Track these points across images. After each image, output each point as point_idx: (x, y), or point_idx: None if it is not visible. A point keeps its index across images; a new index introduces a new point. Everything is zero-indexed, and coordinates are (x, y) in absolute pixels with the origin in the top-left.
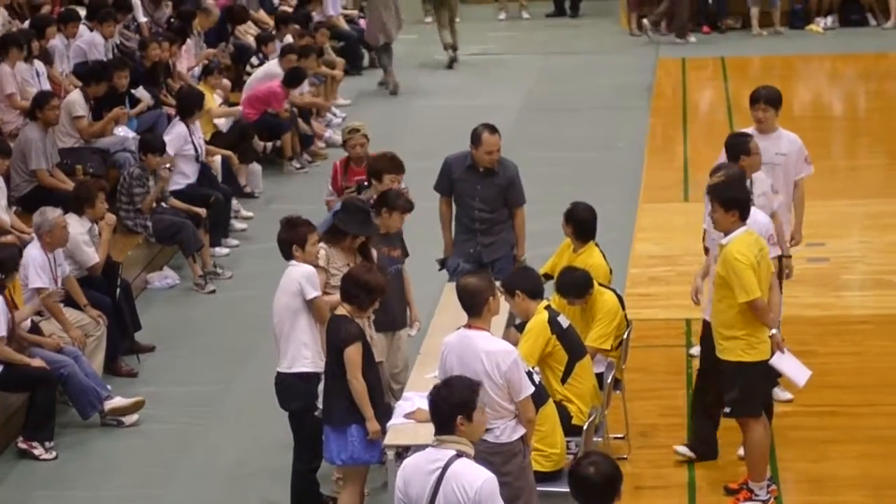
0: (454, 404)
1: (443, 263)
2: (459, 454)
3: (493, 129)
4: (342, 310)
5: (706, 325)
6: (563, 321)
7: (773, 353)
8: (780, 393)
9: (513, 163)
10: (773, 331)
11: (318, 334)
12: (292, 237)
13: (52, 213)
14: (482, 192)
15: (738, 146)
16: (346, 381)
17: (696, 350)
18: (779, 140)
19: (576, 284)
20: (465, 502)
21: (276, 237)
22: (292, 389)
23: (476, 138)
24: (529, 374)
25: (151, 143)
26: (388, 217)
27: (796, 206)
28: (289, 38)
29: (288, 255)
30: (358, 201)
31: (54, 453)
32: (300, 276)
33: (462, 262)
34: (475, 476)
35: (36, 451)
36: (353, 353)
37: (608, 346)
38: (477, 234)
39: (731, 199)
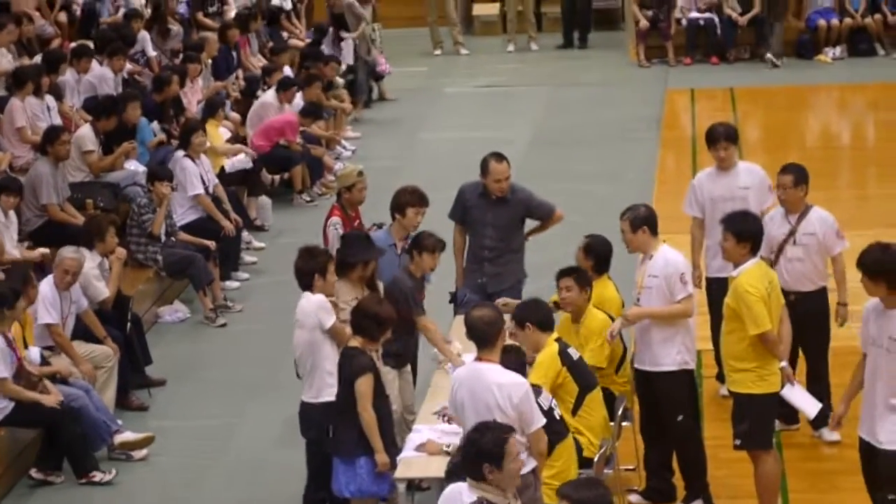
0: (480, 451)
1: (453, 297)
2: (480, 501)
3: (500, 158)
4: (354, 342)
5: (640, 374)
6: (574, 353)
7: (783, 386)
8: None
9: (523, 187)
10: (783, 363)
11: None
12: (313, 266)
13: (67, 252)
14: (493, 220)
15: None
16: (356, 413)
17: (724, 391)
18: (738, 175)
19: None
20: None
21: (289, 269)
22: (314, 419)
23: (484, 167)
24: (551, 411)
25: (159, 173)
26: (420, 259)
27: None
28: (287, 69)
29: (307, 285)
30: (355, 231)
31: (115, 471)
32: (315, 308)
33: (469, 292)
34: None
35: (96, 478)
36: (363, 385)
37: (604, 363)
38: (485, 263)
39: (744, 232)
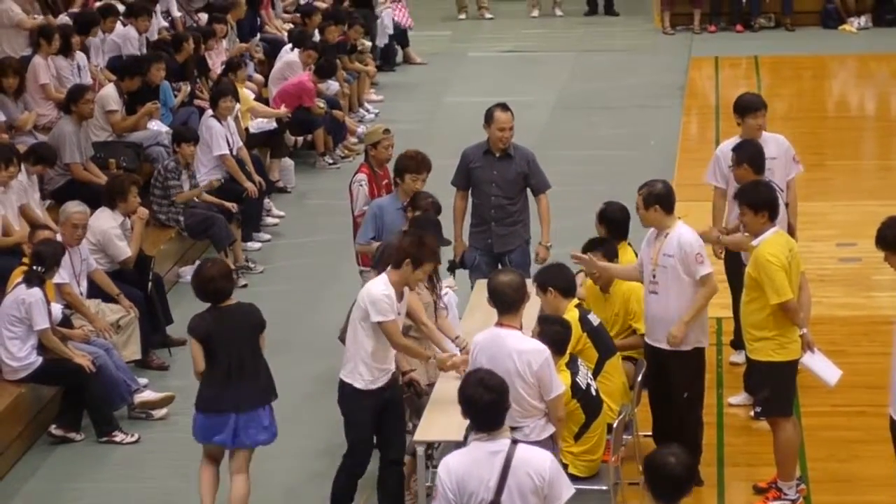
0: (506, 396)
1: (453, 265)
2: (514, 441)
3: (504, 107)
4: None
5: (652, 349)
6: (594, 319)
7: (803, 353)
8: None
9: (528, 149)
10: (804, 330)
11: (382, 352)
12: (414, 253)
13: (74, 207)
14: (498, 177)
15: None
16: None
17: (737, 357)
18: (766, 145)
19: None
20: (540, 485)
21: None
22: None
23: (488, 116)
24: (588, 388)
25: (184, 134)
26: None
27: (790, 207)
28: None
29: (397, 265)
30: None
31: (137, 436)
32: (369, 301)
33: (478, 255)
34: (542, 458)
35: (117, 438)
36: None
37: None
38: (491, 223)
39: (759, 202)
